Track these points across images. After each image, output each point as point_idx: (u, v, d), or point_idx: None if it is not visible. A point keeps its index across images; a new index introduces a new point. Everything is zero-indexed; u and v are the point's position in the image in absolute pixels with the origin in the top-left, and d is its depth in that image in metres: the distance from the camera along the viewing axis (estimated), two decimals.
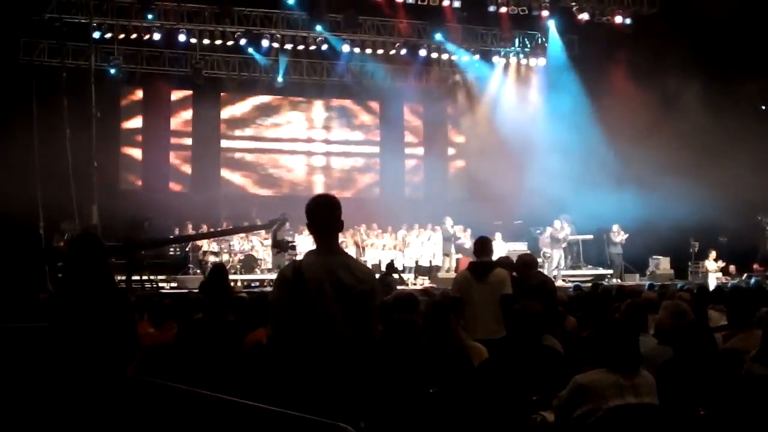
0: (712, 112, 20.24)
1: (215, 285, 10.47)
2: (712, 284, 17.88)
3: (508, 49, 25.84)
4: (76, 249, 5.04)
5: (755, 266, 21.32)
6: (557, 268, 21.55)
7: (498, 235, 22.19)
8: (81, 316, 4.82)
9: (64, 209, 19.27)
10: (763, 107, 22.25)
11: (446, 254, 22.52)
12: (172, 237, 21.34)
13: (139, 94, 25.69)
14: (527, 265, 9.47)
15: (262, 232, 22.67)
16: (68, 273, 5.04)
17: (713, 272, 21.03)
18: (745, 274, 20.99)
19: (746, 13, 19.39)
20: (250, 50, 24.27)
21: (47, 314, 5.01)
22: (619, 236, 22.09)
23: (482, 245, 8.98)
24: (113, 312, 4.91)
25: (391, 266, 18.58)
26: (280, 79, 24.96)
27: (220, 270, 11.75)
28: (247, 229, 21.49)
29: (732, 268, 21.55)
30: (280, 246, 20.59)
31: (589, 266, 23.39)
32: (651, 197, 19.79)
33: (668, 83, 21.07)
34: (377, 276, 15.09)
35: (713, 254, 21.43)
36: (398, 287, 14.48)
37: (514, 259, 9.96)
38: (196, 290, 11.17)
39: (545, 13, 23.43)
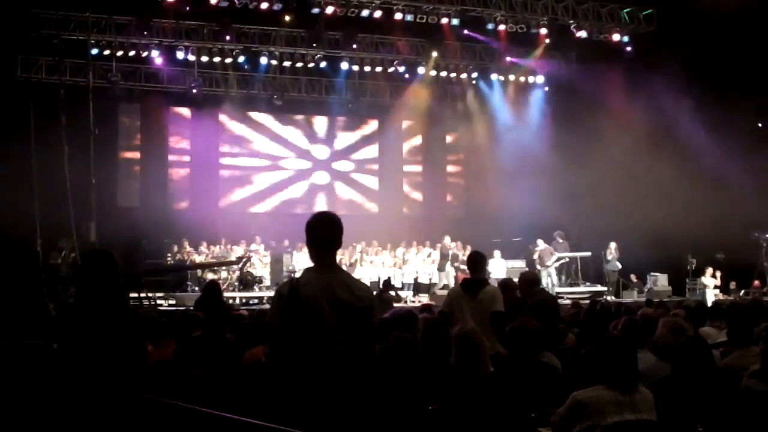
0: (709, 129, 20.30)
1: (210, 302, 10.48)
2: (709, 301, 17.91)
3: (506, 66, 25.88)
4: (90, 265, 5.03)
5: (755, 283, 21.34)
6: (550, 286, 21.50)
7: (497, 253, 22.25)
8: (93, 333, 4.81)
9: (61, 226, 19.24)
10: (761, 124, 22.31)
11: (441, 270, 22.52)
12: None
13: (137, 111, 25.72)
14: (529, 282, 9.48)
15: (261, 249, 22.79)
16: (81, 289, 5.00)
17: (711, 289, 21.05)
18: (743, 291, 21.02)
19: (744, 30, 19.46)
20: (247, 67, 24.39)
21: (58, 330, 4.98)
22: (613, 254, 22.20)
23: (474, 262, 8.98)
24: (125, 330, 4.90)
25: (388, 283, 18.59)
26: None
27: (214, 288, 11.77)
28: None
29: (732, 284, 21.58)
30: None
31: (587, 283, 23.38)
32: (649, 214, 19.80)
33: (666, 101, 21.10)
34: (374, 293, 15.14)
35: (710, 271, 21.47)
36: (395, 305, 14.51)
37: (514, 276, 9.98)
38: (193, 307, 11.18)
39: (543, 30, 23.50)
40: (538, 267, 21.84)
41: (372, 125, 28.13)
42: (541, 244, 22.08)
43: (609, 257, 22.37)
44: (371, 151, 28.26)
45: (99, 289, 4.91)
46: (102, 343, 4.78)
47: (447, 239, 22.66)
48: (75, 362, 4.78)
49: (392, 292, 17.81)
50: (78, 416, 4.69)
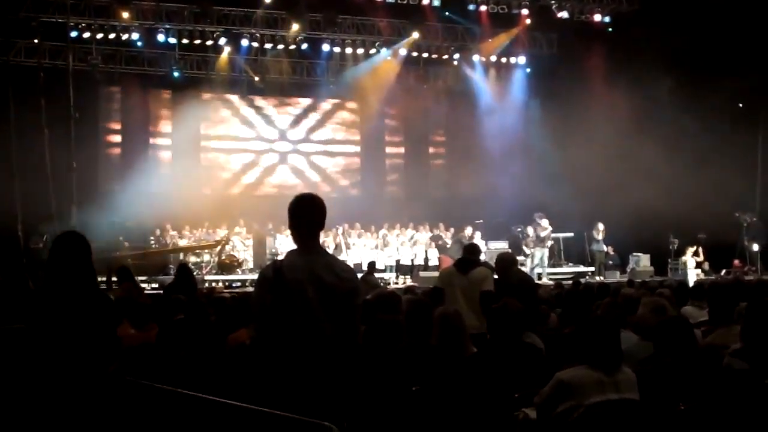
0: (690, 110, 20.36)
1: (182, 285, 10.43)
2: (691, 280, 18.02)
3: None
4: (60, 247, 4.99)
5: (735, 262, 21.47)
6: (541, 266, 21.54)
7: (477, 234, 22.22)
8: (62, 316, 4.78)
9: (42, 211, 19.11)
10: (741, 105, 22.39)
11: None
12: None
13: (117, 94, 25.56)
14: (507, 263, 9.54)
15: (243, 232, 22.74)
16: (51, 271, 4.96)
17: (692, 269, 21.17)
18: (723, 270, 21.15)
19: (726, 11, 19.51)
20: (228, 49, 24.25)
21: (27, 313, 4.95)
22: (601, 234, 22.21)
23: (471, 248, 9.35)
24: (95, 312, 4.87)
25: (372, 266, 18.61)
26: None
27: (184, 270, 11.72)
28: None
29: (706, 264, 21.69)
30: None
31: (570, 264, 23.49)
32: (630, 195, 19.88)
33: (648, 81, 21.15)
34: (360, 276, 15.21)
35: (692, 251, 21.57)
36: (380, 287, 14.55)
37: (493, 256, 10.06)
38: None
39: (525, 11, 23.48)
40: (532, 247, 21.76)
41: (353, 107, 28.04)
42: (547, 225, 21.89)
43: (598, 238, 22.35)
44: (352, 132, 28.19)
45: (69, 271, 4.88)
46: (71, 325, 4.76)
47: (469, 229, 22.46)
48: (44, 344, 4.75)
49: (376, 275, 17.87)
50: (52, 399, 4.67)
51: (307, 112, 27.53)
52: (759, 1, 19.21)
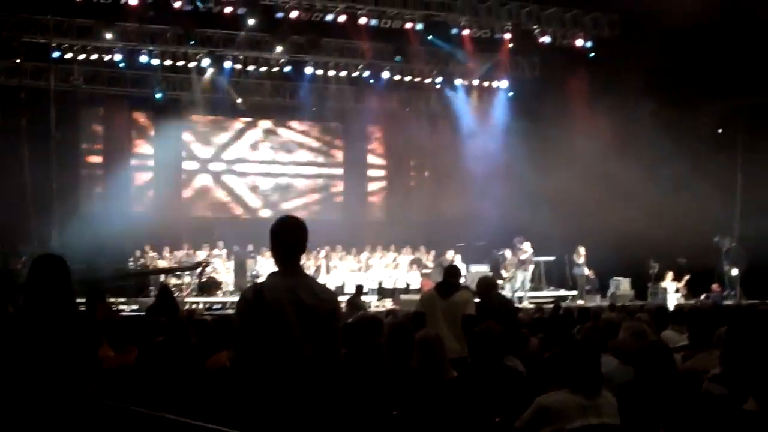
0: (671, 134, 20.47)
1: (163, 306, 10.38)
2: (671, 305, 18.06)
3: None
4: (39, 269, 4.95)
5: (714, 286, 21.54)
6: (522, 289, 21.53)
7: (458, 257, 22.24)
8: (41, 338, 4.74)
9: (22, 231, 18.99)
10: (720, 131, 22.56)
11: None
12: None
13: (100, 114, 25.49)
14: (488, 286, 9.58)
15: (223, 255, 22.68)
16: (29, 293, 4.93)
17: (672, 293, 21.23)
18: (704, 294, 21.21)
19: (705, 37, 19.70)
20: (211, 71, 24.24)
21: (4, 335, 4.90)
22: (582, 258, 22.23)
23: (451, 271, 9.28)
24: (74, 335, 4.84)
25: (360, 289, 18.57)
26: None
27: (166, 291, 11.66)
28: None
29: (683, 289, 21.75)
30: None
31: (551, 287, 23.50)
32: (611, 218, 19.94)
33: (629, 105, 21.29)
34: (347, 299, 15.22)
35: (671, 275, 21.64)
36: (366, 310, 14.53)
37: (474, 279, 10.07)
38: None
39: (507, 35, 23.63)
40: (513, 270, 21.74)
41: (336, 129, 28.11)
42: (528, 248, 21.88)
43: (579, 261, 22.38)
44: (335, 155, 28.24)
45: (48, 293, 4.85)
46: (49, 348, 4.72)
47: (450, 253, 22.42)
48: (22, 367, 4.71)
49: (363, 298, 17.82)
50: (30, 422, 4.63)
51: (289, 134, 27.55)
52: (738, 27, 19.38)
